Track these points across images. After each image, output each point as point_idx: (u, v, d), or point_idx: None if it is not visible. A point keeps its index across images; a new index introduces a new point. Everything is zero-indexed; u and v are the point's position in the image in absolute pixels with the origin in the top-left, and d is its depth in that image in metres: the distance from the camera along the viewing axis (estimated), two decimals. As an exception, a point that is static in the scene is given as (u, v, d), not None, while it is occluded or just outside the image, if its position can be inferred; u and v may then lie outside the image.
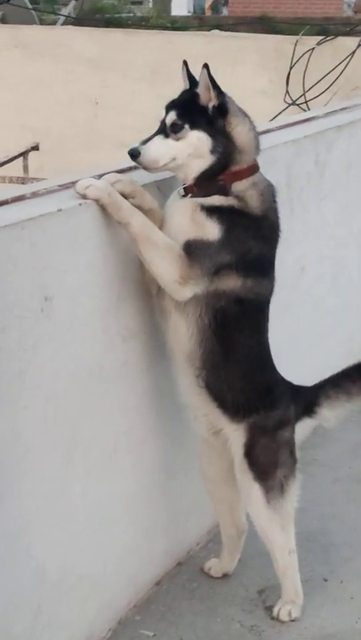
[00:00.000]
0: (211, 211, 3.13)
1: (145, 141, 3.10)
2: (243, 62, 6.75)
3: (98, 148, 6.55)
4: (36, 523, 2.90)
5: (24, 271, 2.72)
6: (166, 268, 3.06)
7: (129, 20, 22.91)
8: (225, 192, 3.17)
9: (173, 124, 3.10)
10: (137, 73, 6.70)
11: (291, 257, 4.36)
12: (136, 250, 3.07)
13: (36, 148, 6.59)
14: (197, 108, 3.13)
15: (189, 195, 3.16)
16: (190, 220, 3.12)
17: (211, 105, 3.14)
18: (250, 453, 3.32)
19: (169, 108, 3.14)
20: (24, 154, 6.48)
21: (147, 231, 3.05)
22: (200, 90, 3.14)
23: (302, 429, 4.40)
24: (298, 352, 4.49)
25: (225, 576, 3.65)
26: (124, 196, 3.06)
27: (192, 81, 3.21)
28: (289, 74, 6.33)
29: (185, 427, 3.49)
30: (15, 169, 6.82)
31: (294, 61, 6.34)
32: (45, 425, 2.88)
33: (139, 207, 3.08)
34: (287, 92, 6.28)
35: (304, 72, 6.25)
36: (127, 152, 3.10)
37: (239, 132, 3.20)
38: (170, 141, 3.10)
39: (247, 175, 3.22)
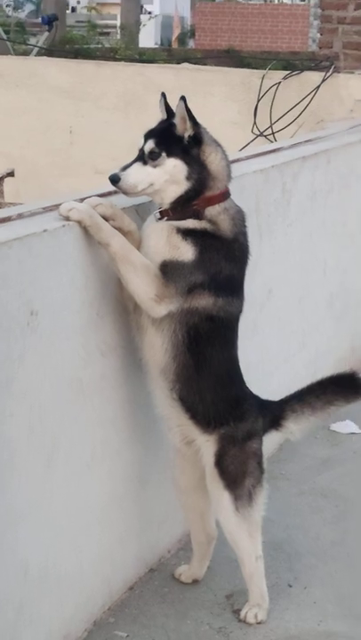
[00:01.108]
0: (185, 233, 3.34)
1: (125, 168, 3.31)
2: (212, 94, 6.99)
3: (73, 175, 6.74)
4: (21, 522, 3.07)
5: (11, 287, 2.91)
6: (143, 286, 3.26)
7: (97, 52, 23.28)
8: (199, 216, 3.38)
9: (151, 152, 3.31)
10: (110, 103, 6.91)
11: (259, 279, 4.56)
12: (115, 269, 3.27)
13: (11, 174, 6.78)
14: (174, 138, 3.34)
15: (165, 218, 3.37)
16: (166, 242, 3.32)
17: (187, 135, 3.35)
18: (220, 463, 3.50)
19: (147, 136, 3.35)
20: (-1, 180, 6.69)
21: (125, 252, 3.25)
22: (177, 120, 3.35)
23: (270, 444, 4.64)
24: (266, 370, 4.70)
25: (195, 582, 3.82)
26: (105, 218, 3.26)
27: (169, 112, 3.42)
28: (256, 106, 6.56)
29: (159, 438, 3.68)
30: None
31: (262, 94, 6.57)
32: (30, 431, 3.06)
33: (118, 229, 3.29)
34: (255, 123, 6.51)
35: (271, 105, 6.49)
36: (108, 177, 3.31)
37: (212, 160, 3.42)
38: (148, 168, 3.31)
39: (219, 201, 3.43)
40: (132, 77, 7.14)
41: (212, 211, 3.41)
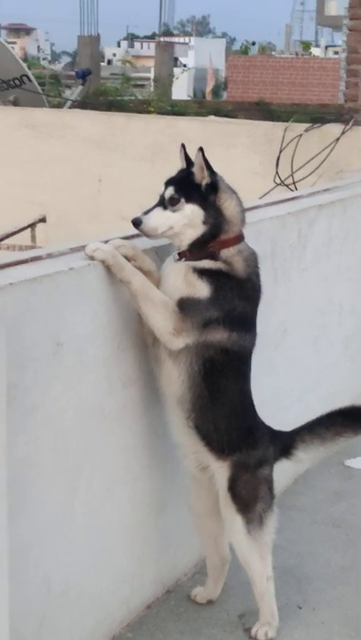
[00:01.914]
0: (201, 273, 3.60)
1: (146, 212, 3.59)
2: (235, 145, 7.30)
3: (100, 221, 7.05)
4: (44, 540, 3.31)
5: (40, 319, 3.18)
6: (162, 321, 3.52)
7: (131, 103, 23.78)
8: (214, 257, 3.65)
9: (171, 198, 3.58)
10: (137, 153, 7.22)
11: (274, 320, 4.83)
12: (135, 305, 3.53)
13: (43, 220, 7.10)
14: (192, 185, 3.62)
15: (183, 259, 3.64)
16: (183, 281, 3.59)
17: (204, 182, 3.63)
18: (233, 488, 3.74)
19: (168, 183, 3.63)
20: (32, 225, 6.99)
21: (145, 289, 3.52)
22: (195, 169, 3.63)
23: (285, 477, 4.88)
24: (281, 407, 4.92)
25: (209, 602, 4.04)
26: (127, 258, 3.53)
27: (188, 161, 3.71)
28: (279, 157, 6.84)
29: (176, 466, 3.91)
30: (24, 239, 7.34)
31: (284, 146, 6.86)
32: (55, 455, 3.31)
33: (139, 268, 3.56)
34: (277, 173, 6.79)
35: (292, 155, 6.77)
36: (131, 221, 3.58)
37: (227, 206, 3.69)
38: (168, 212, 3.58)
39: (234, 243, 3.70)
40: (161, 129, 7.47)
41: (226, 252, 3.67)
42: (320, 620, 3.97)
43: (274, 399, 4.77)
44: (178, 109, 22.92)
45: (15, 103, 9.39)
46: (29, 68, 12.11)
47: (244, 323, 3.72)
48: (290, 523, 4.75)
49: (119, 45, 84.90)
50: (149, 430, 3.85)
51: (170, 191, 3.59)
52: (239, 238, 3.74)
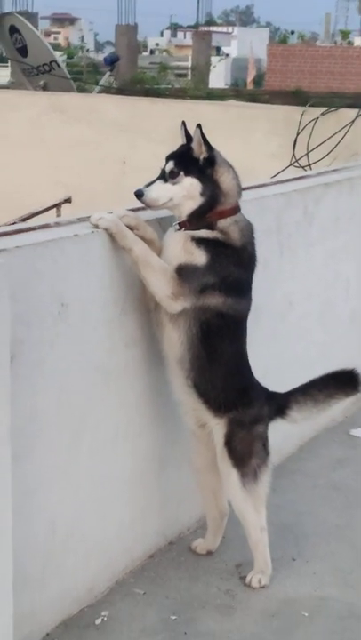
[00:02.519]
0: (199, 241, 3.86)
1: (148, 185, 3.85)
2: (255, 129, 7.54)
3: (124, 202, 7.30)
4: (49, 485, 3.59)
5: (46, 281, 3.45)
6: (161, 286, 3.79)
7: (167, 91, 24.02)
8: (211, 227, 3.90)
9: (171, 171, 3.85)
10: (160, 136, 7.46)
11: (279, 292, 5.07)
12: (137, 271, 3.79)
13: (68, 200, 7.37)
14: (191, 159, 3.88)
15: (183, 229, 3.89)
16: (182, 249, 3.85)
17: (202, 157, 3.88)
18: (229, 443, 3.99)
19: (168, 158, 3.90)
20: (57, 205, 7.25)
21: (146, 256, 3.78)
22: (194, 145, 3.89)
23: (290, 445, 5.14)
24: (285, 376, 5.12)
25: (208, 553, 4.30)
26: (130, 227, 3.80)
27: (188, 137, 3.96)
28: (296, 139, 7.07)
29: (179, 425, 4.17)
30: (49, 219, 7.60)
31: (301, 129, 7.09)
32: (59, 406, 3.59)
33: (141, 237, 3.82)
34: (293, 154, 7.03)
35: (309, 138, 7.00)
36: (133, 192, 3.85)
37: (224, 179, 3.95)
38: (168, 185, 3.84)
39: (230, 214, 3.95)
40: (183, 113, 7.64)
41: (223, 223, 3.92)
42: (312, 571, 4.22)
43: (279, 368, 4.99)
44: (214, 98, 23.12)
45: (45, 88, 9.69)
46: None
47: (239, 288, 3.97)
48: (292, 485, 5.02)
49: (162, 35, 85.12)
50: (151, 389, 4.10)
51: (170, 165, 3.85)
52: (235, 209, 3.98)
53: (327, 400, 4.23)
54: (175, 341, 3.89)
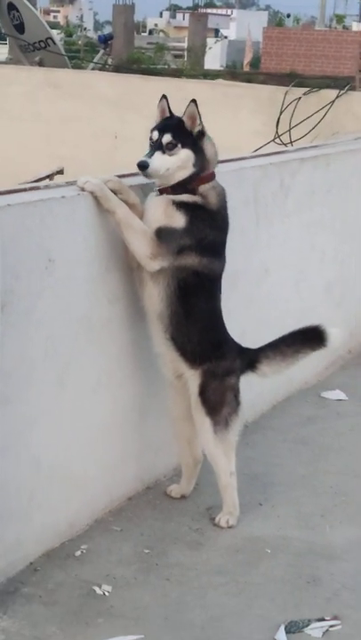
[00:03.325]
0: (180, 205, 4.18)
1: (148, 156, 4.13)
2: (241, 107, 7.86)
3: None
4: (35, 426, 3.92)
5: (34, 237, 3.77)
6: (141, 246, 4.11)
7: (163, 72, 24.29)
8: (193, 192, 4.23)
9: (168, 143, 4.15)
10: (150, 112, 7.75)
11: (256, 259, 5.40)
12: (119, 232, 4.12)
13: (61, 172, 7.67)
14: (185, 132, 4.19)
15: (164, 194, 4.21)
16: (163, 212, 4.17)
17: (196, 130, 4.20)
18: (203, 393, 4.32)
19: (163, 130, 4.17)
20: (50, 176, 7.54)
21: (128, 219, 4.10)
22: (185, 118, 4.19)
23: (264, 404, 5.47)
24: (261, 339, 5.46)
25: (182, 497, 4.64)
26: (114, 192, 4.12)
27: (170, 111, 4.27)
28: (279, 118, 7.39)
29: (158, 379, 4.49)
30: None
31: (283, 107, 7.41)
32: (45, 353, 3.91)
33: (124, 201, 4.14)
34: (277, 132, 7.35)
35: (291, 116, 7.32)
36: (137, 164, 4.11)
37: (209, 149, 4.28)
38: (165, 156, 4.15)
39: (209, 180, 4.29)
40: (173, 91, 7.96)
41: (203, 188, 4.26)
42: (277, 514, 4.57)
43: (255, 330, 5.30)
44: (210, 79, 23.37)
45: (41, 64, 9.99)
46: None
47: (214, 249, 4.30)
48: (263, 440, 5.37)
49: (161, 16, 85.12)
50: (133, 343, 4.43)
51: (167, 137, 4.15)
52: (213, 175, 4.32)
53: (295, 355, 4.56)
54: (155, 298, 4.22)
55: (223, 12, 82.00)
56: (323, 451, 5.28)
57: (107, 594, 3.84)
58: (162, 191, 4.22)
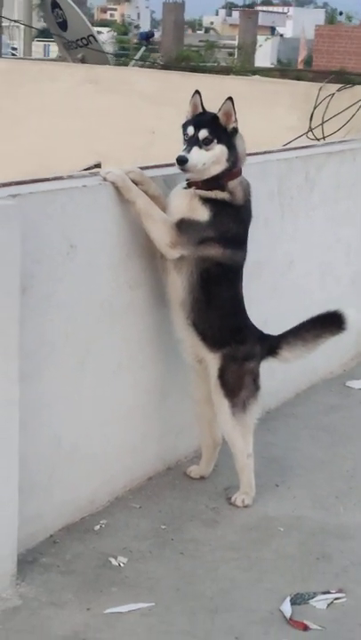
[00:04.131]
0: (206, 200, 4.34)
1: (188, 151, 4.27)
2: (277, 103, 7.98)
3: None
4: (55, 404, 4.10)
5: (56, 224, 3.95)
6: (161, 234, 4.28)
7: (213, 70, 24.44)
8: (223, 188, 4.38)
9: (205, 139, 4.28)
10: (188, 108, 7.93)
11: (280, 251, 5.55)
12: (140, 222, 4.29)
13: (98, 165, 7.84)
14: (220, 128, 4.33)
15: (193, 187, 4.36)
16: (188, 205, 4.33)
17: (231, 126, 4.35)
18: (222, 376, 4.48)
19: (199, 126, 4.30)
20: (88, 169, 7.72)
21: (148, 209, 4.27)
22: (221, 114, 4.33)
23: (287, 392, 5.61)
24: (284, 328, 5.62)
25: (201, 478, 4.80)
26: (135, 183, 4.29)
27: (203, 107, 4.42)
28: (312, 113, 7.50)
29: (179, 363, 4.64)
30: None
31: (317, 103, 7.52)
32: (66, 336, 4.09)
33: (145, 192, 4.31)
34: (310, 127, 7.46)
35: (324, 112, 7.43)
36: (176, 159, 4.26)
37: (240, 145, 4.43)
38: (202, 151, 4.30)
39: (238, 176, 4.44)
40: (211, 87, 8.12)
41: (232, 183, 4.41)
42: (293, 495, 4.72)
43: (278, 320, 5.39)
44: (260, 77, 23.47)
45: (83, 61, 10.20)
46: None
47: (237, 241, 4.46)
48: (285, 426, 5.52)
49: (217, 14, 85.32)
50: (154, 328, 4.60)
51: (204, 133, 4.29)
52: (240, 171, 4.47)
53: (315, 340, 4.70)
54: (178, 286, 4.39)
55: (280, 9, 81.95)
56: (343, 437, 5.41)
57: (122, 565, 4.01)
58: (191, 184, 4.36)
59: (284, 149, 5.87)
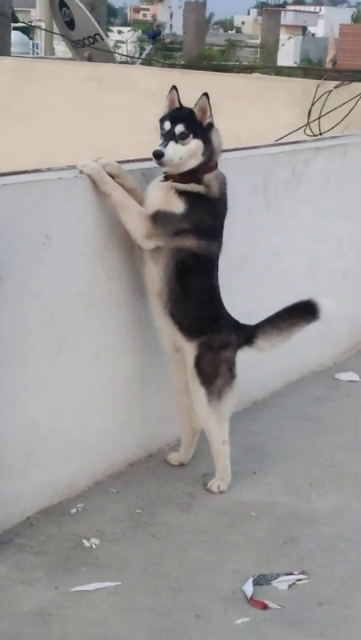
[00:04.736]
0: (181, 193, 4.45)
1: (164, 146, 4.39)
2: (276, 100, 8.08)
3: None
4: (33, 389, 4.22)
5: (31, 216, 4.08)
6: (136, 226, 4.40)
7: (235, 68, 24.54)
8: (199, 181, 4.50)
9: (181, 134, 4.40)
10: (190, 105, 8.04)
11: (265, 243, 5.65)
12: (116, 214, 4.41)
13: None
14: (196, 123, 4.46)
15: (170, 180, 4.47)
16: (163, 197, 4.45)
17: (206, 122, 4.47)
18: (198, 364, 4.59)
19: (175, 121, 4.42)
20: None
21: (123, 201, 4.39)
22: (197, 109, 4.46)
23: (277, 383, 5.71)
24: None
25: (181, 465, 4.91)
26: (112, 176, 4.41)
27: (180, 102, 4.54)
28: (310, 110, 7.59)
29: (160, 352, 4.76)
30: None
31: (315, 100, 7.61)
32: (42, 323, 4.22)
33: (121, 185, 4.43)
34: (308, 123, 7.55)
35: (321, 108, 7.52)
36: (153, 153, 4.37)
37: (215, 140, 4.54)
38: (179, 146, 4.42)
39: (213, 169, 4.55)
40: (211, 84, 8.24)
41: (207, 177, 4.52)
42: (268, 482, 4.82)
43: (265, 311, 5.52)
44: (282, 75, 23.53)
45: (90, 59, 10.36)
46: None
47: (212, 233, 4.56)
48: (269, 416, 5.62)
49: (248, 13, 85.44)
50: (132, 317, 4.72)
51: (180, 128, 4.41)
52: (216, 165, 4.58)
53: (290, 328, 4.80)
54: (155, 276, 4.50)
55: (311, 9, 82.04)
56: (325, 427, 5.51)
57: (94, 546, 4.14)
58: (168, 177, 4.48)
59: (272, 145, 5.97)
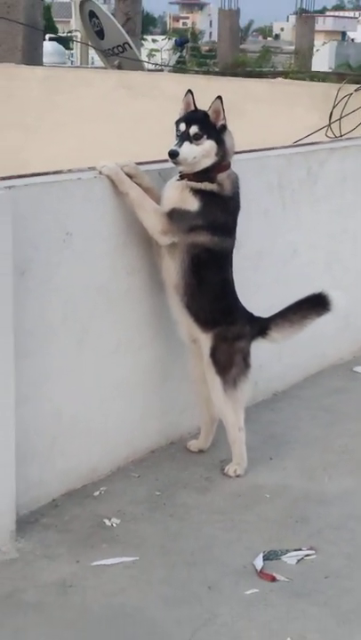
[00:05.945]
0: (196, 192, 4.70)
1: (179, 146, 4.65)
2: (298, 104, 8.31)
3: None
4: (56, 379, 4.47)
5: (51, 214, 4.34)
6: (153, 222, 4.65)
7: (269, 74, 24.79)
8: (212, 180, 4.74)
9: (196, 134, 4.66)
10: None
11: (282, 240, 5.88)
12: (133, 212, 4.66)
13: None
14: (210, 124, 4.70)
15: (185, 179, 4.72)
16: (179, 196, 4.70)
17: (220, 123, 4.71)
18: (214, 355, 4.83)
19: (191, 122, 4.68)
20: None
21: (140, 199, 4.64)
22: (211, 112, 4.70)
23: (295, 376, 5.92)
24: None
25: (200, 451, 5.15)
26: (130, 176, 4.67)
27: (195, 105, 4.78)
28: (331, 113, 7.81)
29: (180, 345, 4.99)
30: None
31: (336, 103, 7.84)
32: (64, 317, 4.47)
33: (139, 184, 4.69)
34: (329, 126, 7.77)
35: (342, 111, 7.74)
36: (168, 152, 4.65)
37: (228, 141, 4.79)
38: (193, 146, 4.67)
39: (227, 169, 4.80)
40: (235, 89, 8.50)
41: (221, 176, 4.77)
42: (283, 467, 5.05)
43: (283, 305, 5.77)
44: (317, 81, 23.74)
45: (119, 67, 10.66)
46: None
47: (225, 229, 4.80)
48: (288, 407, 5.84)
49: (287, 20, 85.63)
50: (152, 311, 4.95)
51: (195, 129, 4.66)
52: (229, 165, 4.82)
53: (302, 320, 5.02)
54: (172, 271, 4.75)
55: (350, 14, 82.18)
56: (342, 417, 5.72)
57: (115, 525, 4.39)
58: (183, 177, 4.72)
59: (287, 146, 6.19)
